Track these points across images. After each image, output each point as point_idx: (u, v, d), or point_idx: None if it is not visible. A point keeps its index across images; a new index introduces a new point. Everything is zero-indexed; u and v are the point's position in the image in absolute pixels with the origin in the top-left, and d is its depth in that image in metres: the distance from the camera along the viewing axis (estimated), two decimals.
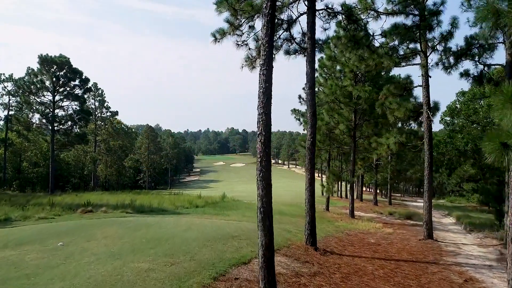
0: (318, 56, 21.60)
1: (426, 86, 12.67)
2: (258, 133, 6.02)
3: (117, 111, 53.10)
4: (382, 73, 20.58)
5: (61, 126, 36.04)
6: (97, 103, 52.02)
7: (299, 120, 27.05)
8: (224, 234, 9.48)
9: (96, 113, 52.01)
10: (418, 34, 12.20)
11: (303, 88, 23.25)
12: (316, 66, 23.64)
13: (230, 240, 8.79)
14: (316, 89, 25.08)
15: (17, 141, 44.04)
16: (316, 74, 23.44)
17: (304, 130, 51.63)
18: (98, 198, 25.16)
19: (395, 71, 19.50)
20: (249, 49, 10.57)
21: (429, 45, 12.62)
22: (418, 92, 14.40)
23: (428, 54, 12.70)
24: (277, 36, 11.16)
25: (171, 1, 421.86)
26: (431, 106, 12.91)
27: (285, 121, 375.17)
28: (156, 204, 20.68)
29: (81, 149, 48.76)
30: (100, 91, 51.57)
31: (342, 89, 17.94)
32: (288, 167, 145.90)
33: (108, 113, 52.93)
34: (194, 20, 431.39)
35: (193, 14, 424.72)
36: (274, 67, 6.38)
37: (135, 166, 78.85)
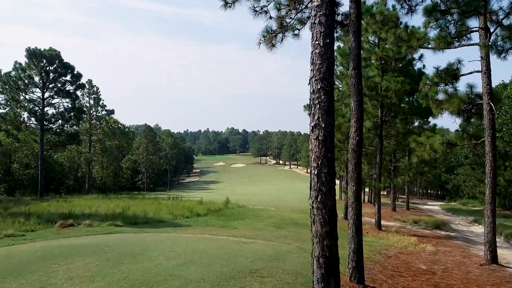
0: (337, 43, 19.03)
1: (487, 72, 10.11)
2: (312, 125, 3.47)
3: (113, 110, 50.35)
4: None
5: (51, 125, 33.42)
6: (92, 101, 49.24)
7: None
8: (239, 267, 6.91)
9: (91, 111, 49.29)
10: (482, 3, 9.63)
11: None
12: (336, 54, 21.18)
13: (249, 280, 6.21)
14: (336, 83, 22.55)
15: (7, 141, 41.40)
16: (336, 63, 20.88)
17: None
18: (88, 205, 22.61)
19: (427, 60, 16.84)
20: (270, 17, 8.02)
21: (493, 19, 10.06)
22: (470, 80, 11.86)
23: (492, 31, 10.15)
24: (304, 4, 8.61)
25: (171, 1, 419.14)
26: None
27: (286, 121, 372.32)
28: (151, 213, 18.14)
29: (75, 149, 46.10)
30: (95, 89, 48.82)
31: (368, 80, 15.37)
32: (290, 168, 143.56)
33: (104, 112, 50.16)
34: (194, 20, 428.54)
35: (193, 14, 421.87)
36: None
37: (133, 167, 76.23)
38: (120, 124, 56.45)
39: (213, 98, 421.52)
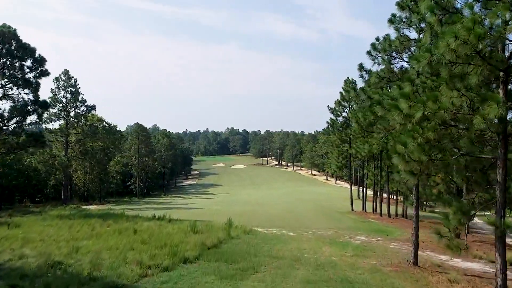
0: None
1: None
2: None
3: (94, 106, 43.00)
4: None
5: (5, 123, 26.38)
6: (68, 95, 41.95)
7: (350, 97, 17.02)
8: None
9: (68, 107, 42.05)
10: None
11: (373, 48, 13.40)
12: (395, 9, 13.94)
13: None
14: (406, 57, 15.15)
15: None
16: (416, 21, 13.64)
17: (331, 125, 41.26)
18: (30, 237, 15.40)
19: None
20: None
21: None
22: None
23: None
24: None
25: (171, 1, 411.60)
26: None
27: (286, 121, 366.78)
28: (109, 261, 11.05)
29: (48, 152, 38.95)
30: (72, 81, 41.57)
31: (488, 35, 8.31)
32: (293, 169, 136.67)
33: (83, 108, 42.82)
34: (194, 20, 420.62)
35: (192, 14, 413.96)
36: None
37: (124, 170, 69.19)
38: (106, 123, 49.24)
39: (213, 98, 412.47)
